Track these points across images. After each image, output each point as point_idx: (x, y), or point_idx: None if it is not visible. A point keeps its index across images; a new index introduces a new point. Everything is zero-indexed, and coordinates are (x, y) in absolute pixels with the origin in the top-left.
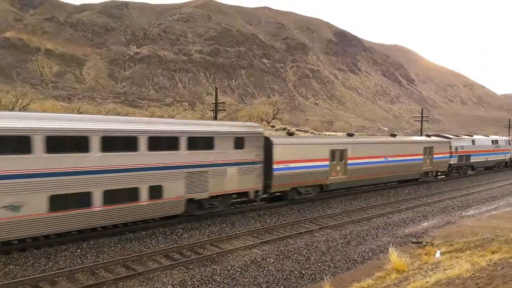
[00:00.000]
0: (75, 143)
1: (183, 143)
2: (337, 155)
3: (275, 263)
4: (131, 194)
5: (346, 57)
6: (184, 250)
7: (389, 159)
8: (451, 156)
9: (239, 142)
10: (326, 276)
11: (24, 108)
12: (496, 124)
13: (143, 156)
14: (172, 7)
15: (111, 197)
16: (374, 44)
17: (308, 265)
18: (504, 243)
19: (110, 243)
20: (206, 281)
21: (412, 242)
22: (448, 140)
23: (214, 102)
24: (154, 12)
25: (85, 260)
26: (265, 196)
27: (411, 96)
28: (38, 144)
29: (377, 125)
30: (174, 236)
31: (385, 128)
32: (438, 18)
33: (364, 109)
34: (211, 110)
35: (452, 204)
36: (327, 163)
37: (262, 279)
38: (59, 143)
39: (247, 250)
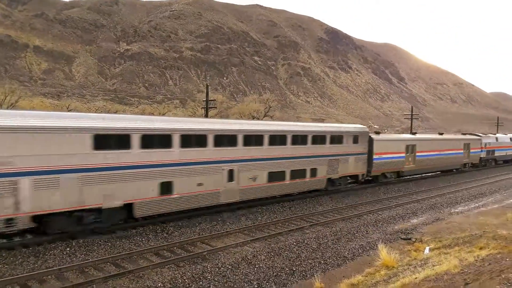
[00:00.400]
0: (280, 140)
1: (328, 139)
2: (410, 149)
3: (266, 260)
4: (302, 173)
5: (337, 55)
6: (175, 248)
7: (442, 152)
8: (481, 151)
9: (356, 138)
10: (316, 272)
11: (12, 106)
12: (485, 122)
13: (309, 148)
14: (163, 4)
15: (293, 174)
16: (364, 42)
17: (299, 262)
18: (492, 239)
19: (100, 241)
20: (197, 279)
21: (401, 239)
22: (479, 137)
23: (205, 99)
24: (145, 9)
25: (74, 259)
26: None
27: (401, 94)
28: (267, 139)
29: (368, 123)
30: (165, 234)
31: (375, 126)
32: (438, 18)
33: (355, 107)
34: (202, 108)
35: (441, 201)
36: (403, 155)
37: (253, 276)
38: (275, 139)
39: (238, 248)
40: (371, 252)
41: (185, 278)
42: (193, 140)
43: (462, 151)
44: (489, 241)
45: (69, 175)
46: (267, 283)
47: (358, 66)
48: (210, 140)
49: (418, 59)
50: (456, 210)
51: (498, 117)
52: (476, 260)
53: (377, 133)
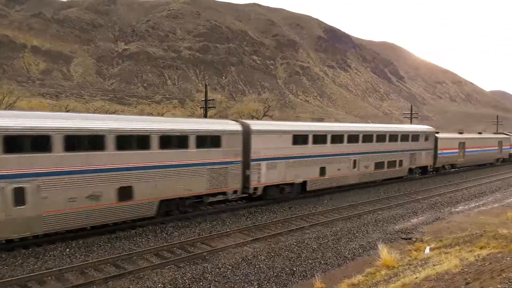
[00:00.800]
0: (383, 138)
1: (410, 138)
2: (461, 146)
3: (266, 260)
4: (394, 164)
5: (336, 54)
6: (175, 248)
7: (483, 148)
8: (510, 148)
9: (427, 137)
10: (317, 273)
11: (10, 106)
12: (484, 121)
13: (399, 144)
14: (161, 3)
15: (389, 164)
16: (363, 41)
17: (299, 262)
18: (492, 239)
19: (100, 242)
20: (197, 280)
21: (402, 238)
22: (509, 136)
23: (204, 99)
24: (142, 8)
25: (74, 260)
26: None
27: (401, 93)
28: (375, 138)
29: (367, 122)
30: (164, 235)
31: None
32: (438, 18)
33: (354, 106)
34: (201, 107)
35: (441, 200)
36: (457, 150)
37: (253, 277)
38: (379, 138)
39: (238, 248)
40: (371, 252)
41: (185, 278)
42: (337, 138)
43: (496, 148)
44: (489, 241)
45: (281, 161)
46: (268, 284)
47: (357, 65)
48: (345, 138)
49: (417, 58)
50: (456, 210)
51: (497, 116)
52: (477, 260)
53: (436, 132)
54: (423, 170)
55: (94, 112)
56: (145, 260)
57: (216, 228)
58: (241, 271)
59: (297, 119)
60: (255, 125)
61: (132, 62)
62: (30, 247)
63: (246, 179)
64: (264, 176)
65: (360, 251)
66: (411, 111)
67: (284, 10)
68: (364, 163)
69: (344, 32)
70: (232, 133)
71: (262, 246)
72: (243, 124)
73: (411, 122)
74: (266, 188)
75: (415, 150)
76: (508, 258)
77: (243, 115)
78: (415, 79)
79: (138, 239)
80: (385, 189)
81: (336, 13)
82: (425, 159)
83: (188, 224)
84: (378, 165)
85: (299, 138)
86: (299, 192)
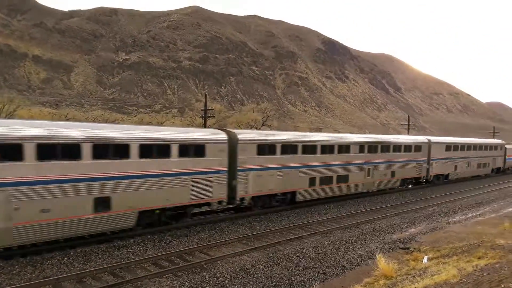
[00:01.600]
0: (476, 147)
1: (492, 148)
2: None
3: (264, 269)
4: (485, 165)
5: (334, 65)
6: (173, 257)
7: None
8: None
9: (501, 147)
10: (315, 282)
11: (11, 115)
12: (480, 132)
13: (486, 152)
14: (161, 14)
15: (483, 166)
16: (361, 52)
17: (298, 271)
18: (490, 249)
19: (98, 250)
20: None
21: (399, 248)
22: None
23: (203, 109)
24: (143, 19)
25: (72, 268)
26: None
27: (398, 104)
28: (472, 148)
29: (364, 132)
30: (163, 244)
31: None
32: (437, 18)
33: (352, 116)
34: (200, 117)
35: (438, 210)
36: None
37: (251, 286)
38: (474, 147)
39: (237, 257)
40: (369, 262)
41: None
42: (462, 148)
43: None
44: (487, 251)
45: (439, 161)
46: None
47: (355, 76)
48: (465, 148)
49: (415, 69)
50: (454, 220)
51: (494, 127)
52: (475, 270)
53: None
54: (497, 170)
55: (94, 121)
56: (143, 269)
57: (215, 237)
58: (239, 281)
59: (296, 129)
60: (432, 139)
61: (132, 72)
62: (28, 255)
63: (426, 171)
64: (433, 169)
65: (359, 260)
66: (408, 121)
67: (284, 22)
68: (473, 163)
69: (342, 44)
70: (423, 144)
71: (260, 255)
72: (428, 139)
73: (408, 133)
74: (432, 176)
75: (495, 156)
76: (506, 269)
77: (242, 125)
78: (412, 90)
79: (136, 248)
80: (383, 199)
81: (335, 25)
82: (499, 162)
83: (186, 233)
84: (478, 166)
85: (447, 147)
86: (444, 180)
